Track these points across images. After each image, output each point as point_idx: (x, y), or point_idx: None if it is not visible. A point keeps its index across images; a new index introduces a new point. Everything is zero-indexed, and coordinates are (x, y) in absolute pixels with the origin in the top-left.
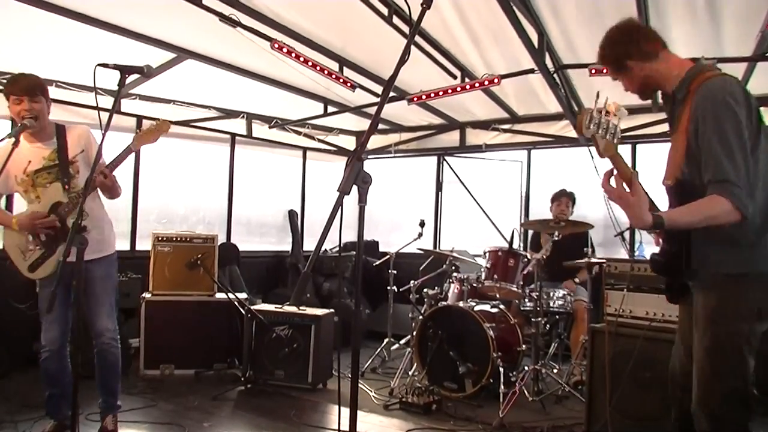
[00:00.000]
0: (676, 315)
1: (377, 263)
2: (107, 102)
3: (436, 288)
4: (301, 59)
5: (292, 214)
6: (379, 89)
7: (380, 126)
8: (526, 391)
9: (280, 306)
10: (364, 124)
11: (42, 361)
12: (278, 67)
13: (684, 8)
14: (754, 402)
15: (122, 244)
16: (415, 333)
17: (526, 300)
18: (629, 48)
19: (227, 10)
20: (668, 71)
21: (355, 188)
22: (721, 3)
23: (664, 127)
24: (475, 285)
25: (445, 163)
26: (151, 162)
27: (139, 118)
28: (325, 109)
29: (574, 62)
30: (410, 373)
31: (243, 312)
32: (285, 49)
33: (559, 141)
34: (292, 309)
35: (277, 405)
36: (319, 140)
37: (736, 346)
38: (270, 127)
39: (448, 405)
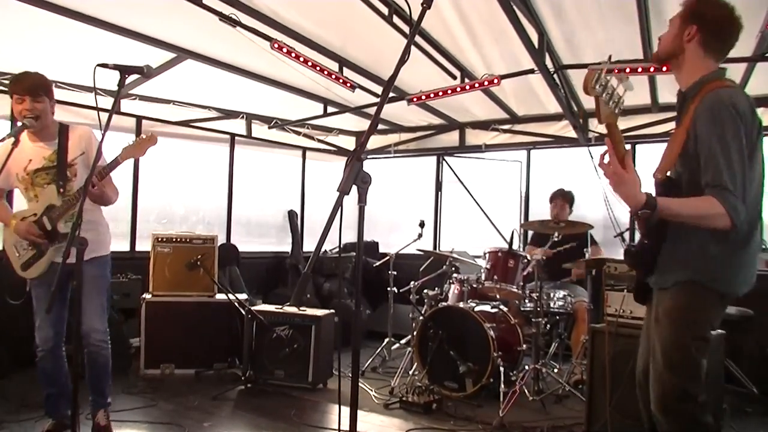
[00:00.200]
0: None
1: (377, 264)
2: (107, 102)
3: (436, 289)
4: (301, 59)
5: (291, 214)
6: (378, 89)
7: (380, 126)
8: (526, 391)
9: (280, 306)
10: (363, 124)
11: (38, 361)
12: (278, 67)
13: None
14: (707, 405)
15: (122, 245)
16: (415, 333)
17: (527, 301)
18: (712, 27)
19: (227, 9)
20: (695, 72)
21: (354, 188)
22: None
23: (664, 127)
24: (475, 286)
25: (444, 163)
26: (150, 162)
27: (139, 119)
28: (325, 109)
29: (574, 62)
30: (410, 372)
31: (243, 312)
32: (285, 49)
33: (559, 141)
34: (293, 309)
35: (278, 405)
36: (319, 140)
37: (691, 346)
38: (270, 128)
39: (449, 404)
